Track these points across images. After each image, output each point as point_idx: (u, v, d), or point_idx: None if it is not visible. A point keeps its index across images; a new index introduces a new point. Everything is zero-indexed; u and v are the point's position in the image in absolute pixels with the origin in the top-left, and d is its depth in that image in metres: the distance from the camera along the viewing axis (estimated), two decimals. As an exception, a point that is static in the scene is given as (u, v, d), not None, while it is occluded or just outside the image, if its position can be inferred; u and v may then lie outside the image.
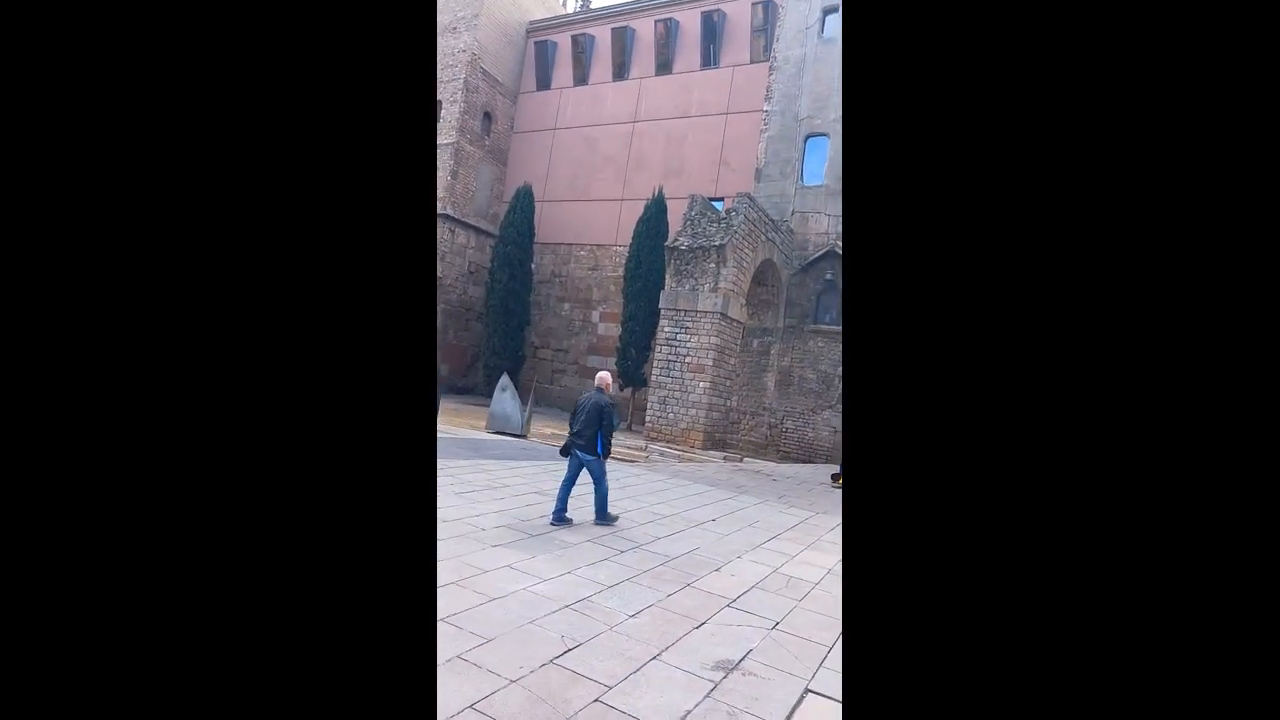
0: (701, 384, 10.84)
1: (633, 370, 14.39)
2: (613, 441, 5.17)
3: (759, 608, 3.58)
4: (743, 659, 2.85)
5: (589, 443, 4.89)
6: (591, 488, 5.12)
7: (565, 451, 5.01)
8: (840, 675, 2.83)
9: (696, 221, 11.34)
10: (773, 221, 12.52)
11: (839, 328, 12.98)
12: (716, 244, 10.76)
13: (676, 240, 11.29)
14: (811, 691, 2.64)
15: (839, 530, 6.26)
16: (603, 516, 4.97)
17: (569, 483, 4.93)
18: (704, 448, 10.68)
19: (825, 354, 13.17)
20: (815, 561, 4.81)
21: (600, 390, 5.17)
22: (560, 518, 4.79)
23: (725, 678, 2.64)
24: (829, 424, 12.92)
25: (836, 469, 10.14)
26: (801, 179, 13.67)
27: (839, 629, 3.43)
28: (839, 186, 13.14)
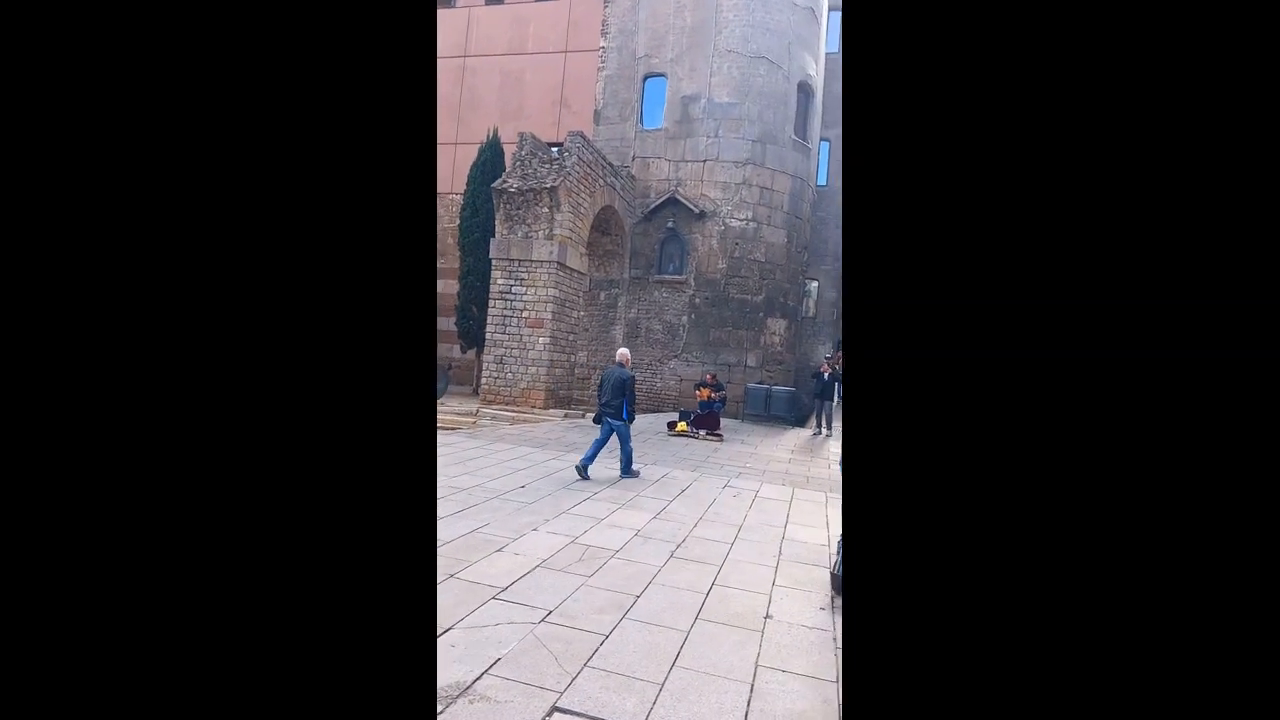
0: (541, 340, 10.03)
1: (475, 330, 13.19)
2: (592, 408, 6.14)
3: (533, 595, 2.93)
4: (479, 678, 2.17)
5: (617, 410, 5.78)
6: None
7: (598, 419, 5.95)
8: (610, 674, 2.25)
9: (527, 162, 10.31)
10: (611, 166, 11.77)
11: (682, 277, 12.69)
12: (548, 185, 9.83)
13: (505, 182, 10.20)
14: (560, 710, 2.02)
15: (663, 482, 5.84)
16: (627, 472, 5.89)
17: (600, 443, 5.85)
18: (546, 407, 9.95)
19: (670, 304, 12.83)
20: (625, 523, 4.27)
21: (621, 365, 6.05)
22: (584, 472, 5.62)
23: (442, 712, 1.95)
24: (675, 373, 12.69)
25: (675, 416, 9.84)
26: (641, 122, 12.98)
27: (627, 606, 2.88)
28: (679, 130, 12.62)
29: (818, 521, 5.10)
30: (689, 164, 12.63)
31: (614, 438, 5.87)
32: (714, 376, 10.95)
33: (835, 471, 7.68)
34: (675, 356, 12.81)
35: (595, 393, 6.15)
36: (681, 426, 9.23)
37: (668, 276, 12.77)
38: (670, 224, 12.58)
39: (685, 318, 12.77)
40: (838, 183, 15.95)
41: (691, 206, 12.39)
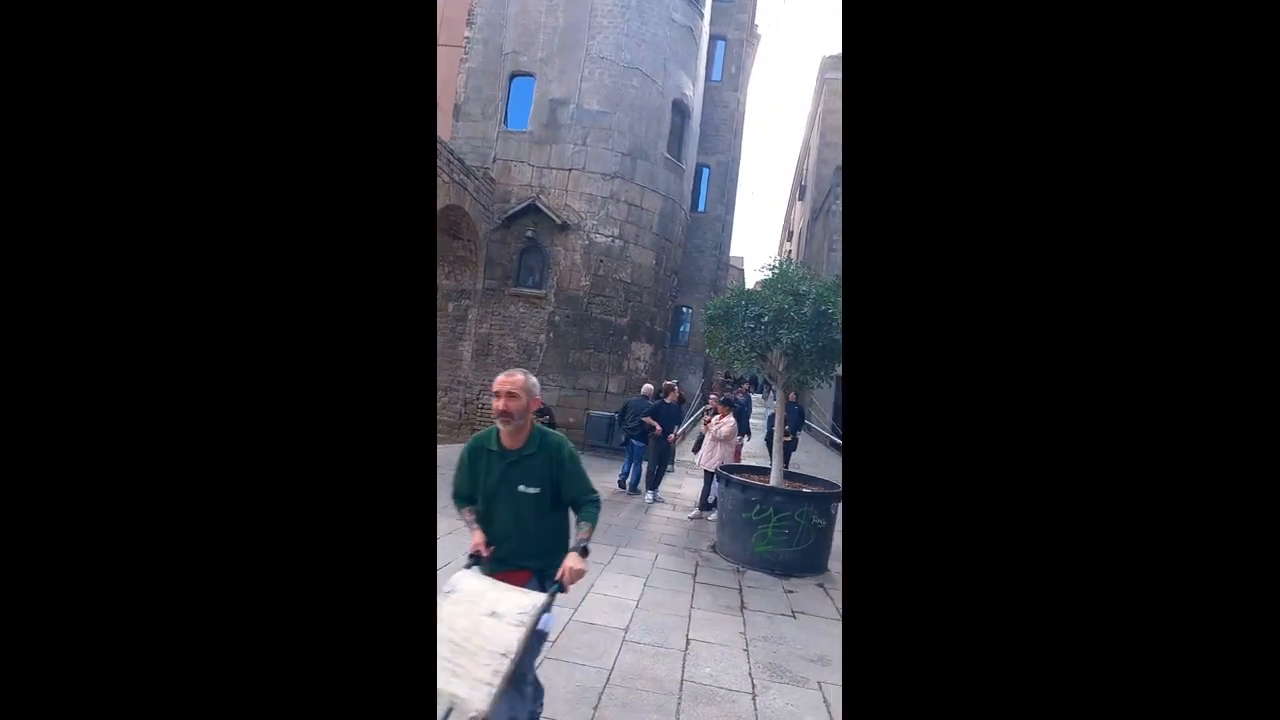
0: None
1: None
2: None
3: None
4: None
5: (639, 434, 7.44)
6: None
7: (624, 442, 7.74)
8: None
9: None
10: (463, 163, 10.29)
11: (542, 292, 11.35)
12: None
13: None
14: None
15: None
16: (652, 488, 7.45)
17: (628, 461, 7.71)
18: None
19: (527, 320, 11.40)
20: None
21: (645, 397, 7.84)
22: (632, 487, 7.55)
23: None
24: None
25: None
26: (505, 122, 11.64)
27: None
28: (545, 135, 11.41)
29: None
30: (554, 171, 11.41)
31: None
32: (539, 400, 9.60)
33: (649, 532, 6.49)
34: (530, 379, 11.34)
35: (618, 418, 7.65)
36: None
37: (526, 290, 11.36)
38: (530, 233, 11.23)
39: (543, 336, 11.38)
40: (719, 211, 15.46)
41: (554, 216, 11.14)
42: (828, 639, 3.72)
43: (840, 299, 4.88)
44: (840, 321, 4.86)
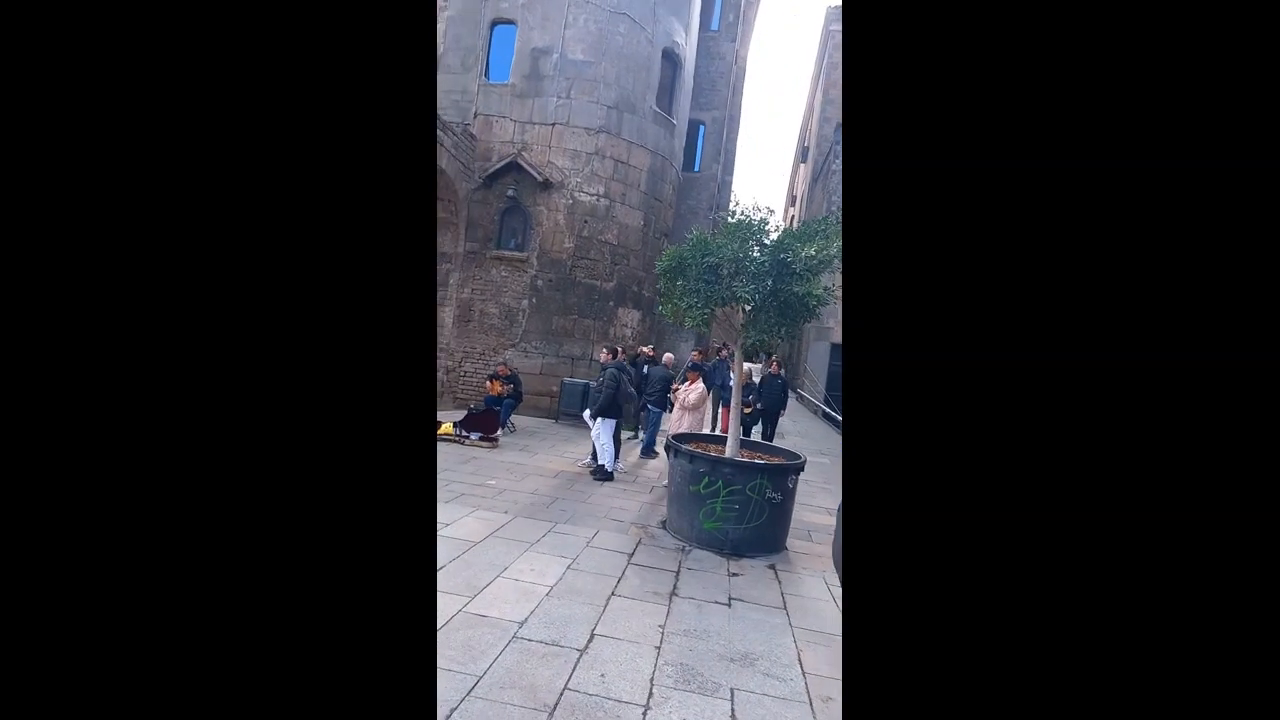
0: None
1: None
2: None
3: None
4: None
5: (659, 400, 7.45)
6: None
7: (642, 408, 7.65)
8: None
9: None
10: (441, 120, 9.65)
11: (524, 255, 10.77)
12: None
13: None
14: None
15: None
16: (647, 451, 7.79)
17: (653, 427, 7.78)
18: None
19: (509, 285, 10.85)
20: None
21: (664, 365, 7.78)
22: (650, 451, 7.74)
23: None
24: (512, 365, 10.73)
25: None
26: (486, 75, 10.93)
27: None
28: (527, 88, 10.69)
29: (519, 567, 3.33)
30: (536, 126, 10.71)
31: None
32: (506, 367, 9.09)
33: (599, 501, 5.98)
34: (512, 346, 10.83)
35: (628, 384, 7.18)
36: (446, 428, 7.23)
37: (507, 253, 10.78)
38: (511, 192, 10.60)
39: (526, 302, 10.83)
40: (714, 171, 14.62)
41: (535, 174, 10.48)
42: (760, 632, 3.20)
43: (806, 247, 4.23)
44: (800, 272, 4.22)
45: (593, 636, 2.94)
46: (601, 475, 6.23)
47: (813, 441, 10.94)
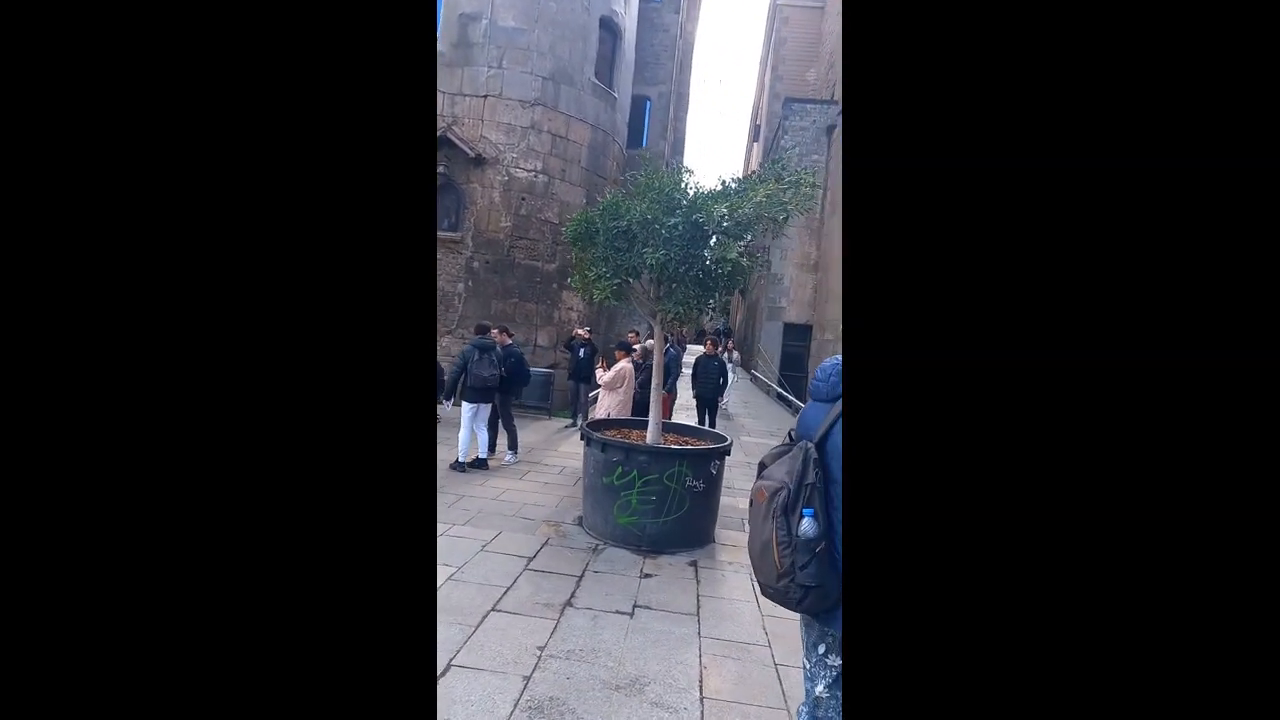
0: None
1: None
2: None
3: None
4: None
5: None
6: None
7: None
8: None
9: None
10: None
11: (458, 235, 10.08)
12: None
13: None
14: None
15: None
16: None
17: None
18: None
19: (443, 268, 10.16)
20: None
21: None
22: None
23: None
24: (448, 352, 10.07)
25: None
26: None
27: None
28: (456, 57, 9.94)
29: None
30: (467, 99, 10.01)
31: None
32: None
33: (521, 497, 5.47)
34: (449, 332, 10.17)
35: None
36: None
37: (442, 233, 10.08)
38: (442, 169, 9.89)
39: (461, 285, 10.17)
40: (661, 149, 14.05)
41: (467, 149, 9.78)
42: (661, 647, 2.72)
43: (719, 205, 3.73)
44: (718, 239, 3.73)
45: (449, 668, 2.42)
46: (459, 467, 5.56)
47: (764, 423, 10.56)
